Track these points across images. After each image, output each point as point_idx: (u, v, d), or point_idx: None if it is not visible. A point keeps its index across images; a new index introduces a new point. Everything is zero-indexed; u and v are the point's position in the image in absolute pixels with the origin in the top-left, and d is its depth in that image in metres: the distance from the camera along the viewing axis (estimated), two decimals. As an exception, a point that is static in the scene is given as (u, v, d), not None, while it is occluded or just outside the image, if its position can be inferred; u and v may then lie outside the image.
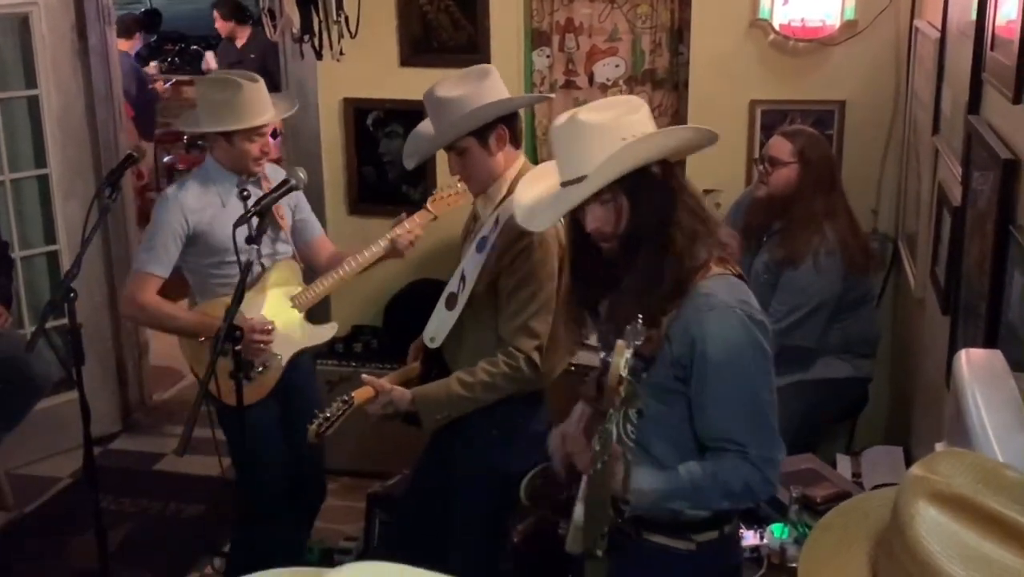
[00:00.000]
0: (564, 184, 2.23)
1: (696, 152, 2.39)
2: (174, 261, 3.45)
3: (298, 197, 3.63)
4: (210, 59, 8.54)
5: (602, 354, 1.79)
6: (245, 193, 3.46)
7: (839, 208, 3.77)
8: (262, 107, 3.42)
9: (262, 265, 3.45)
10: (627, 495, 2.08)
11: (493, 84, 2.95)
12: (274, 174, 3.57)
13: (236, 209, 3.41)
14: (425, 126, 3.08)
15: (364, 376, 3.06)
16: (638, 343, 1.82)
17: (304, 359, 3.70)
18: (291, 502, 3.70)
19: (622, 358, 1.76)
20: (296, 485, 3.70)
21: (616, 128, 2.17)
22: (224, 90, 3.39)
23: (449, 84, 2.97)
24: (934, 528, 1.00)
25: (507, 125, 2.94)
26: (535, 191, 2.40)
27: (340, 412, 3.04)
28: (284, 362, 3.50)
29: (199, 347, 3.47)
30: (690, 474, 2.16)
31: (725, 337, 2.13)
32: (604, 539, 1.92)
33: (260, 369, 3.44)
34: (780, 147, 3.75)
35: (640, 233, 2.17)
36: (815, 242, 3.66)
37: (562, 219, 2.97)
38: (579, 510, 2.17)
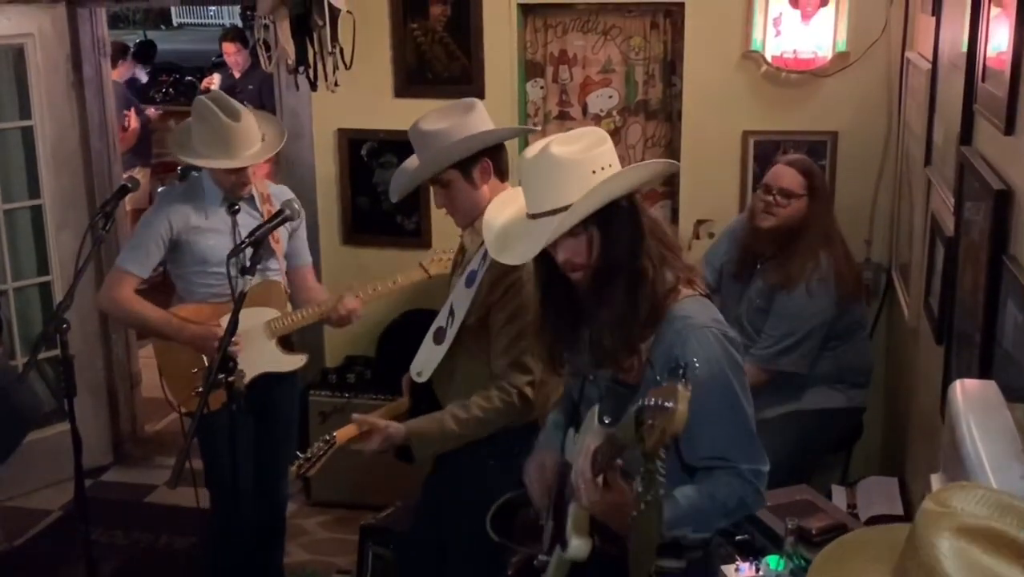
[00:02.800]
0: (534, 216, 2.25)
1: (656, 182, 2.47)
2: (155, 263, 3.56)
3: (299, 223, 3.68)
4: (215, 80, 8.52)
5: (652, 400, 1.73)
6: (235, 208, 3.52)
7: (834, 235, 3.79)
8: (242, 146, 3.44)
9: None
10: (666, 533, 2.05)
11: (478, 117, 2.94)
12: (281, 194, 3.60)
13: (223, 222, 3.52)
14: (411, 161, 3.09)
15: (354, 416, 3.02)
16: (690, 388, 1.76)
17: (286, 382, 3.71)
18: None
19: (686, 404, 1.72)
20: (259, 506, 3.71)
21: (586, 161, 2.19)
22: (208, 118, 3.43)
23: (433, 117, 2.97)
24: (963, 563, 0.99)
25: (491, 158, 2.93)
26: (502, 218, 2.43)
27: (321, 452, 3.02)
28: (246, 380, 3.49)
29: (183, 375, 3.50)
30: (688, 499, 2.17)
31: (707, 356, 2.15)
32: None
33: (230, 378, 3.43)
34: (792, 179, 3.70)
35: (613, 264, 2.21)
36: (809, 268, 3.66)
37: None
38: (575, 545, 2.17)
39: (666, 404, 1.72)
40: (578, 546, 2.18)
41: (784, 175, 3.73)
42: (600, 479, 2.03)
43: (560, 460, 2.39)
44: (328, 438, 3.00)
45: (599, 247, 2.21)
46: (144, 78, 9.42)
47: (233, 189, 3.52)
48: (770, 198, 3.73)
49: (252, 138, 3.48)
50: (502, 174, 2.99)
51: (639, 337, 2.21)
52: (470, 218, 2.99)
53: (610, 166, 2.21)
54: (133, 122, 7.58)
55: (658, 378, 2.11)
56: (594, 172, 2.18)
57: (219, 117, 3.41)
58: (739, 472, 2.19)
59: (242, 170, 3.47)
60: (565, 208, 2.17)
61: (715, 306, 2.32)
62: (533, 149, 2.26)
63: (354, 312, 3.54)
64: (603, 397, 2.27)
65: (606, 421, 2.10)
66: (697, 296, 2.28)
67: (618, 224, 2.20)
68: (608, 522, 2.12)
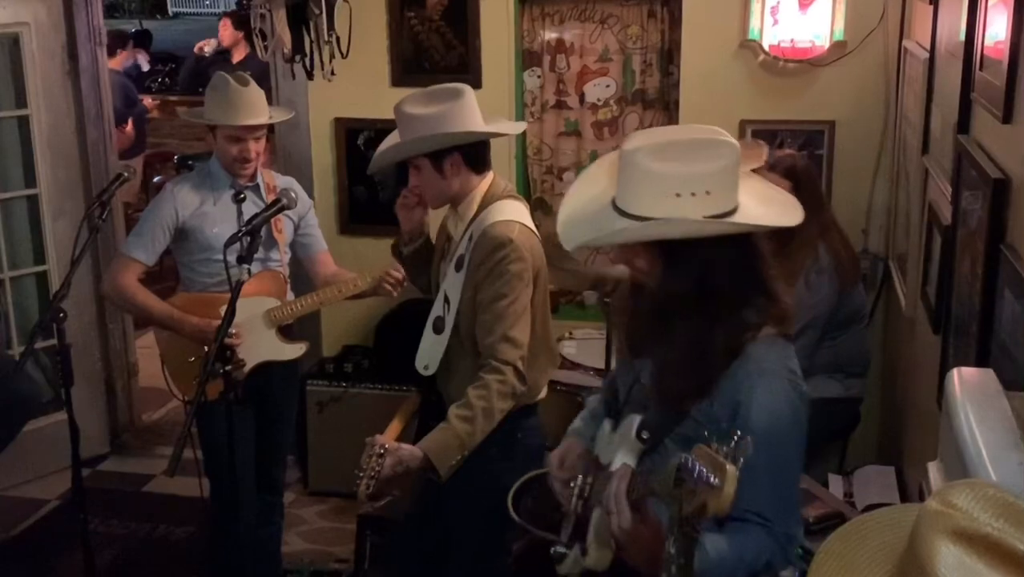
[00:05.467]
0: (615, 208, 2.08)
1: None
2: (160, 250, 3.57)
3: (306, 212, 3.74)
4: (210, 44, 8.44)
5: (697, 468, 1.59)
6: (241, 196, 3.53)
7: (830, 224, 3.80)
8: (246, 110, 3.48)
9: (248, 271, 3.46)
10: None
11: (460, 108, 2.93)
12: (289, 185, 3.63)
13: (228, 209, 3.53)
14: (392, 137, 3.11)
15: (368, 439, 2.88)
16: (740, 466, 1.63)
17: (286, 371, 3.72)
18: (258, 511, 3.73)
19: (734, 485, 1.59)
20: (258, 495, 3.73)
21: (673, 181, 1.99)
22: (220, 87, 3.50)
23: (418, 100, 2.97)
24: (956, 567, 0.98)
25: (463, 153, 2.95)
26: (590, 191, 2.20)
27: (378, 465, 2.84)
28: (246, 369, 3.50)
29: (183, 364, 3.52)
30: (717, 552, 2.01)
31: (771, 408, 2.02)
32: None
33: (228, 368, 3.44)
34: (775, 183, 3.71)
35: (671, 297, 2.06)
36: (808, 262, 3.67)
37: (536, 231, 3.01)
38: (595, 556, 2.10)
39: (713, 481, 1.59)
40: (599, 557, 2.10)
41: (767, 179, 3.74)
42: (637, 516, 1.90)
43: (588, 452, 2.30)
44: (380, 451, 2.84)
45: (660, 273, 2.07)
46: (145, 65, 9.39)
47: (235, 164, 3.52)
48: None
49: (259, 107, 3.53)
50: (479, 166, 2.99)
51: (710, 380, 2.05)
52: (439, 202, 3.06)
53: (707, 193, 1.98)
54: (130, 128, 7.53)
55: (706, 434, 1.90)
56: (678, 195, 1.98)
57: (229, 83, 3.48)
58: (772, 532, 2.05)
59: (244, 143, 3.48)
60: (630, 215, 2.03)
61: (793, 350, 2.14)
62: (633, 141, 2.08)
63: (403, 275, 3.48)
64: (648, 407, 2.16)
65: (644, 437, 2.04)
66: (778, 338, 2.10)
67: (685, 259, 2.03)
68: (630, 552, 1.99)
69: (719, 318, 2.03)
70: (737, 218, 2.03)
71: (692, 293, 2.03)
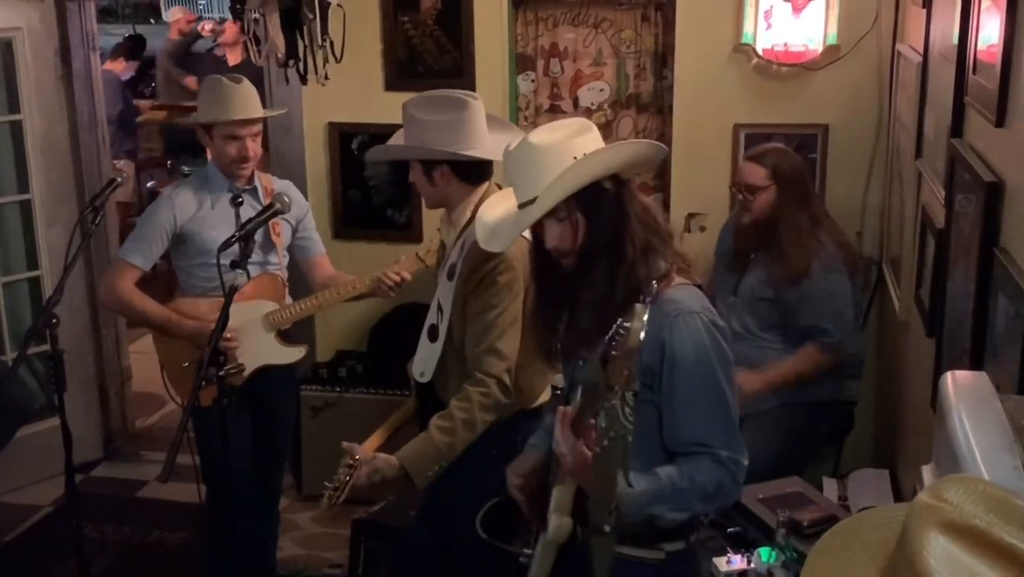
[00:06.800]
0: (521, 206, 2.29)
1: (649, 167, 2.47)
2: (157, 256, 3.57)
3: (303, 215, 3.75)
4: (206, 27, 8.45)
5: (619, 320, 1.77)
6: (239, 200, 3.53)
7: (822, 214, 3.87)
8: (241, 105, 3.50)
9: (247, 273, 3.46)
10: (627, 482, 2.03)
11: (460, 122, 2.95)
12: (286, 189, 3.66)
13: (226, 214, 3.53)
14: (399, 135, 3.13)
15: (344, 444, 2.94)
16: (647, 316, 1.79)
17: (284, 375, 3.71)
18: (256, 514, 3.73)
19: (641, 321, 1.73)
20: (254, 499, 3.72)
21: (567, 148, 2.22)
22: (213, 87, 3.52)
23: (424, 103, 3.00)
24: (944, 559, 0.98)
25: (452, 166, 2.97)
26: (496, 213, 2.47)
27: (348, 476, 2.90)
28: (247, 373, 3.50)
29: (180, 369, 3.52)
30: (669, 477, 2.17)
31: (694, 341, 2.19)
32: (612, 515, 1.88)
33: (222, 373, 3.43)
34: (754, 173, 3.78)
35: (595, 247, 2.23)
36: (815, 248, 3.70)
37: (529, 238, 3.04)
38: (554, 524, 2.15)
39: (624, 324, 1.73)
40: (557, 525, 2.15)
41: (746, 171, 3.84)
42: (581, 442, 2.01)
43: (543, 456, 2.38)
44: (351, 463, 2.89)
45: (583, 232, 2.24)
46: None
47: (233, 165, 3.52)
48: (740, 196, 3.83)
49: (252, 102, 3.55)
50: (471, 179, 3.01)
51: (614, 318, 2.20)
52: (431, 204, 3.13)
53: (584, 155, 2.22)
54: (128, 171, 7.43)
55: (643, 359, 2.10)
56: (575, 159, 2.20)
57: (222, 82, 3.50)
58: (718, 458, 2.19)
59: (242, 141, 3.48)
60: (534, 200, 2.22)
61: (704, 296, 2.34)
62: (515, 141, 2.30)
63: (401, 276, 3.49)
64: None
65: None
66: (689, 285, 2.30)
67: (600, 208, 2.22)
68: (579, 477, 2.08)
69: (625, 259, 2.21)
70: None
71: (609, 240, 2.22)
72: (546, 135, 2.27)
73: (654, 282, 2.16)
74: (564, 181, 2.18)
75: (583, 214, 2.23)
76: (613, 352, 1.75)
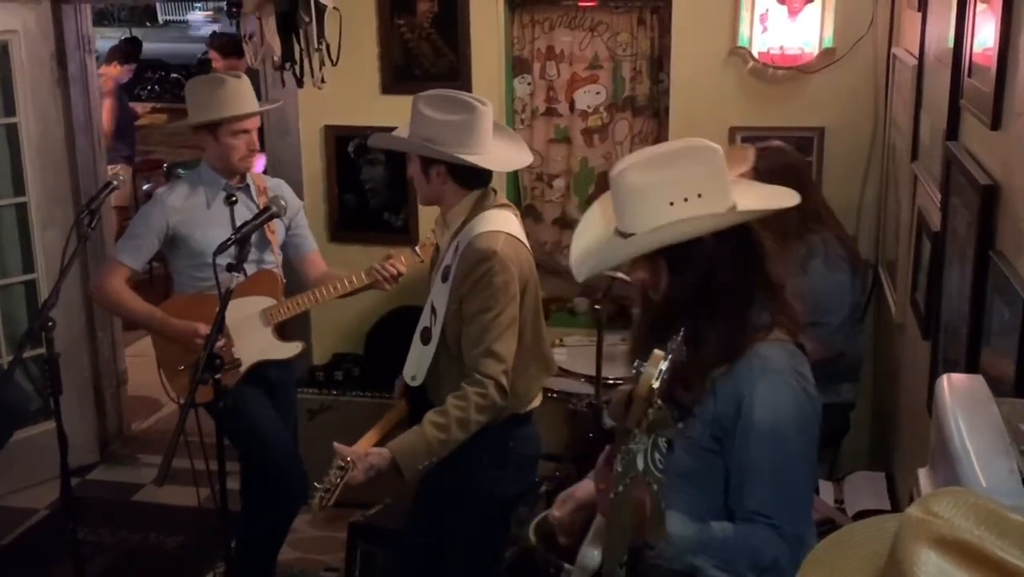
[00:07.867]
0: (618, 233, 2.12)
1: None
2: (148, 256, 3.62)
3: (296, 213, 3.78)
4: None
5: (635, 362, 1.64)
6: (233, 199, 3.54)
7: (820, 210, 3.78)
8: (246, 101, 3.53)
9: (244, 272, 3.46)
10: (659, 540, 1.86)
11: (463, 126, 2.93)
12: (278, 188, 3.70)
13: (220, 213, 3.56)
14: (404, 126, 3.11)
15: (336, 445, 2.93)
16: (675, 356, 1.66)
17: (283, 375, 3.76)
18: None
19: (656, 368, 1.61)
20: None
21: (662, 191, 2.02)
22: (209, 86, 3.54)
23: (434, 100, 2.97)
24: (935, 574, 0.97)
25: (449, 167, 2.96)
26: (593, 230, 2.26)
27: (338, 478, 2.89)
28: (243, 369, 3.51)
29: (175, 372, 3.54)
30: (723, 532, 2.00)
31: (775, 405, 2.02)
32: (623, 568, 1.75)
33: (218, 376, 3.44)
34: (740, 159, 3.75)
35: (679, 299, 2.08)
36: (813, 241, 3.65)
37: (524, 240, 3.05)
38: (585, 553, 2.05)
39: (639, 368, 1.61)
40: (589, 554, 2.04)
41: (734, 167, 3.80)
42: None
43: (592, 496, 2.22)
44: (343, 465, 2.88)
45: (667, 280, 2.09)
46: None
47: (242, 161, 3.56)
48: None
49: (252, 96, 3.60)
50: (467, 184, 3.00)
51: (707, 367, 2.05)
52: (424, 200, 3.13)
53: (698, 196, 2.02)
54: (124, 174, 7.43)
55: (709, 434, 2.00)
56: (671, 204, 2.01)
57: (225, 79, 3.54)
58: (780, 532, 2.01)
59: (250, 134, 3.55)
60: (631, 235, 2.06)
61: (806, 359, 2.14)
62: (619, 165, 2.12)
63: (398, 269, 3.52)
64: None
65: None
66: (789, 342, 2.11)
67: (690, 265, 2.05)
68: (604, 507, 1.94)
69: (718, 316, 2.04)
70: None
71: (696, 294, 2.05)
72: (644, 173, 2.05)
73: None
74: (661, 235, 2.01)
75: (667, 263, 2.07)
76: (633, 393, 1.62)
